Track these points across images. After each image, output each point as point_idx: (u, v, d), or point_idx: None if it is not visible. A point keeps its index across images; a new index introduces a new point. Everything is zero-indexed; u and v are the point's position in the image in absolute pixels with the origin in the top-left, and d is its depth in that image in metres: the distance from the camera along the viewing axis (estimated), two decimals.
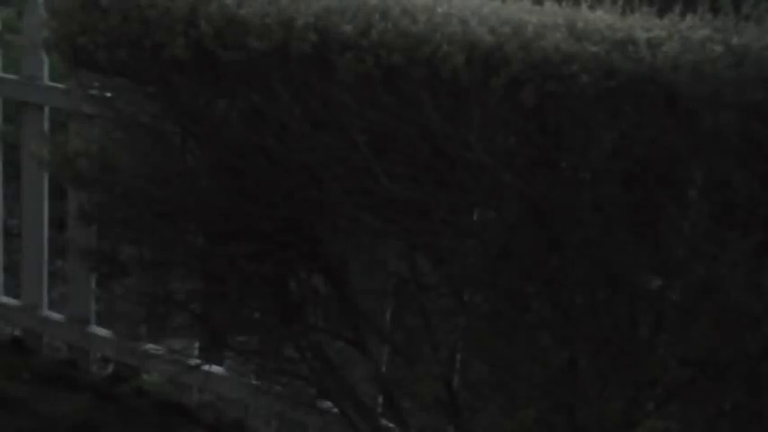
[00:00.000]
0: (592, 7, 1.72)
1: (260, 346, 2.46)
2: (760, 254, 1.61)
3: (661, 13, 1.69)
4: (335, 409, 2.35)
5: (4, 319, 3.37)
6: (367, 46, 1.74)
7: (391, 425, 2.38)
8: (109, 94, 2.22)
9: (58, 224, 3.26)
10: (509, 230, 1.80)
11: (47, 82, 3.05)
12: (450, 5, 1.77)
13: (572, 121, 1.67)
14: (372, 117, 1.76)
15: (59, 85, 2.99)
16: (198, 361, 2.70)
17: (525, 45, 1.65)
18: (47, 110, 3.07)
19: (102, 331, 3.14)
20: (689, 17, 1.65)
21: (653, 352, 1.78)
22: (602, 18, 1.69)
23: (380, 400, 2.48)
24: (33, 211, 3.17)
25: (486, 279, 1.88)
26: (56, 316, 3.24)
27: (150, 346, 2.68)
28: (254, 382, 2.77)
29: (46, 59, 3.02)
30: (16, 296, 3.32)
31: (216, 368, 2.84)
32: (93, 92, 2.24)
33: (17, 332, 3.36)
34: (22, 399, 2.98)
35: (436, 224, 1.83)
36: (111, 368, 3.20)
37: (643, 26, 1.65)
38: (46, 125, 3.06)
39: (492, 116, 1.71)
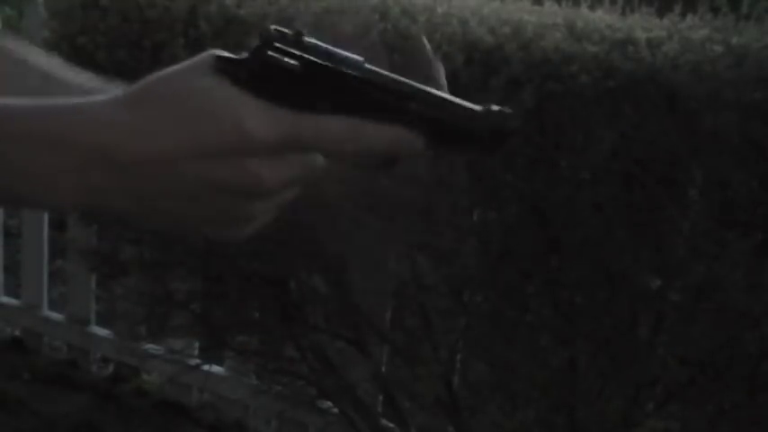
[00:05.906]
0: (592, 7, 1.73)
1: (260, 346, 2.46)
2: (760, 254, 1.61)
3: (661, 13, 1.69)
4: (335, 409, 2.34)
5: (4, 319, 3.37)
6: None
7: (391, 425, 2.38)
8: None
9: (58, 224, 3.26)
10: (509, 230, 1.79)
11: None
12: (450, 5, 1.77)
13: (572, 121, 1.67)
14: None
15: None
16: (198, 361, 2.69)
17: (525, 45, 1.65)
18: None
19: (102, 331, 3.14)
20: (689, 17, 1.65)
21: (653, 352, 1.78)
22: (601, 18, 1.69)
23: (380, 400, 2.47)
24: (33, 211, 3.17)
25: (486, 279, 1.88)
26: (56, 316, 3.23)
27: (150, 346, 2.68)
28: (254, 382, 2.77)
29: None
30: (16, 296, 3.32)
31: (216, 368, 2.84)
32: None
33: (17, 332, 3.35)
34: (22, 399, 2.98)
35: (436, 224, 1.83)
36: (111, 368, 3.19)
37: (643, 26, 1.65)
38: None
39: None
